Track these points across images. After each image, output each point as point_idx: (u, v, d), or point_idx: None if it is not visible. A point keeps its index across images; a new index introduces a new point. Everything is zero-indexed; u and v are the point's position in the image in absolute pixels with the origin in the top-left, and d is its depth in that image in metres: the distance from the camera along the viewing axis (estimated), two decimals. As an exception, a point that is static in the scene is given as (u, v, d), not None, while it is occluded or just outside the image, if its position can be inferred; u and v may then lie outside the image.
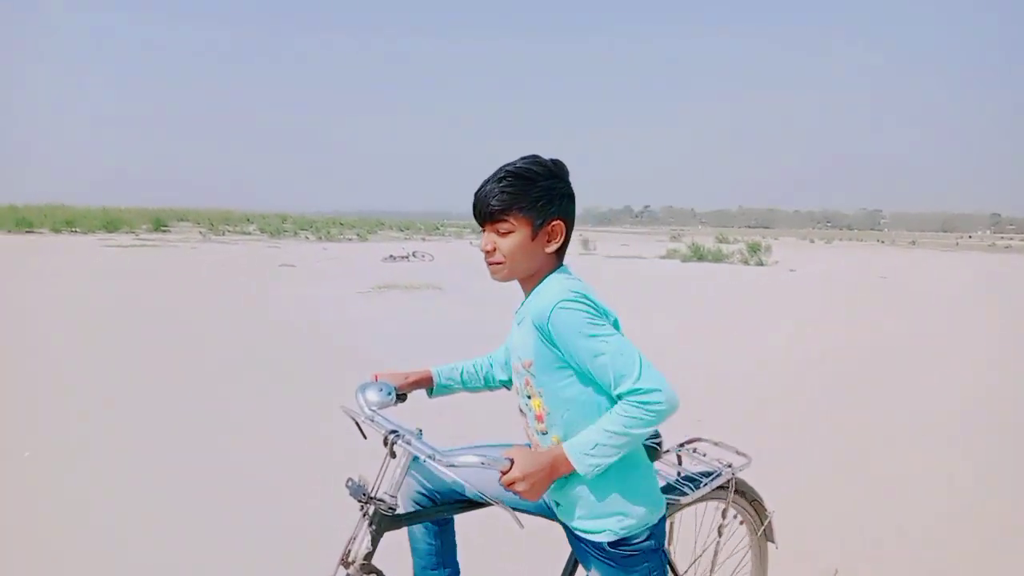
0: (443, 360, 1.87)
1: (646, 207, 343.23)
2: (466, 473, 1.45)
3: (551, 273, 1.50)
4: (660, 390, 1.32)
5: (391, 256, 21.79)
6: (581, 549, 1.53)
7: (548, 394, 1.46)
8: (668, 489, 1.82)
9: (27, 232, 31.57)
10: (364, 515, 1.44)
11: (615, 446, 1.36)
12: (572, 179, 1.53)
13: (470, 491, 1.61)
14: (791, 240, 53.22)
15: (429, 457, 1.36)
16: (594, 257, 26.66)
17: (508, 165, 1.47)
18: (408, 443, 1.43)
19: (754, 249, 24.26)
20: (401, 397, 1.69)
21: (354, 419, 1.59)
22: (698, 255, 25.13)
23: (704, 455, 1.95)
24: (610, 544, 1.47)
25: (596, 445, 1.36)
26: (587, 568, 1.55)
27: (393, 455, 1.47)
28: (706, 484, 1.83)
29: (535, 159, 1.48)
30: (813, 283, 17.13)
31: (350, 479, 1.46)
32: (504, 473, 1.34)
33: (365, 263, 20.13)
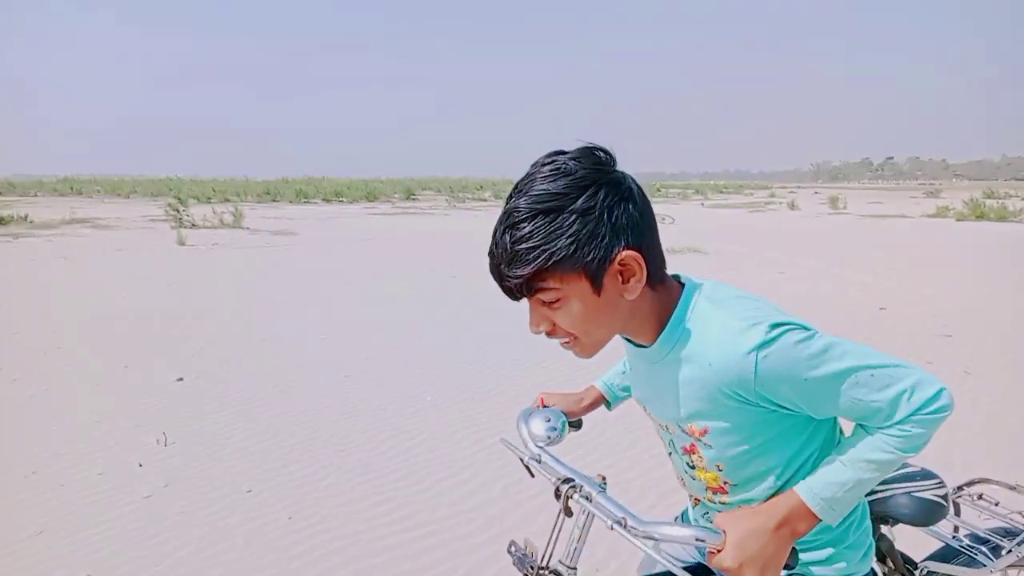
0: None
1: (888, 159, 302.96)
2: (669, 545, 1.17)
3: (682, 298, 1.02)
4: (943, 389, 0.92)
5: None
6: None
7: (734, 463, 1.06)
8: (947, 554, 1.31)
9: (305, 203, 35.83)
10: None
11: (875, 480, 0.97)
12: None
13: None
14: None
15: (617, 523, 0.96)
16: (846, 217, 24.54)
17: (517, 196, 0.95)
18: (588, 498, 1.04)
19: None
20: (575, 425, 1.34)
21: (517, 454, 1.22)
22: (977, 213, 21.91)
23: (996, 503, 1.42)
24: None
25: (857, 483, 0.95)
26: None
27: (568, 512, 1.08)
28: (1009, 551, 1.28)
29: (553, 169, 0.93)
30: None
31: (513, 543, 1.13)
32: (715, 553, 0.94)
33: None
